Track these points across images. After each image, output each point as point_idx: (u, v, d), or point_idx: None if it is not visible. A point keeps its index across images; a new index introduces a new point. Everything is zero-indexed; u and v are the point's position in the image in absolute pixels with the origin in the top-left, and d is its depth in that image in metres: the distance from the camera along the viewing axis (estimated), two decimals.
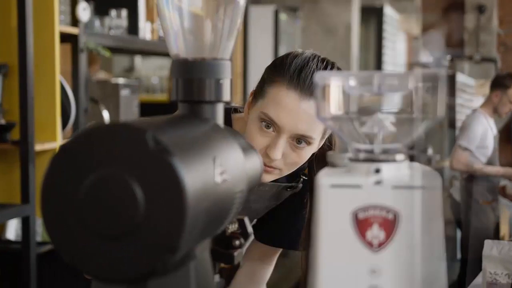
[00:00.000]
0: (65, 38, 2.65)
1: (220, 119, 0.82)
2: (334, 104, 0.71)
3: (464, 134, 4.33)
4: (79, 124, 2.66)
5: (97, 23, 2.92)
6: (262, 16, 5.09)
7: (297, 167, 1.31)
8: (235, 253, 0.87)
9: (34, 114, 2.36)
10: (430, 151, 3.47)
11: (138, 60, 5.41)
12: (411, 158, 0.74)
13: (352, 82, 0.69)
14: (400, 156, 0.70)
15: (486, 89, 8.66)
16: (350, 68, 5.77)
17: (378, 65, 7.51)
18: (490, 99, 4.36)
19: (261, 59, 4.86)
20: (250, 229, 0.89)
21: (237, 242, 0.87)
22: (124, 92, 3.15)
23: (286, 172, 1.31)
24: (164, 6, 0.82)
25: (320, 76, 0.70)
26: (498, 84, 4.34)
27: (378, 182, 0.67)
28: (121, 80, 3.25)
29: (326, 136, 1.34)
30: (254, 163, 0.85)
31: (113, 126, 0.62)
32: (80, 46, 2.66)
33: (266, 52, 4.99)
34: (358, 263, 0.68)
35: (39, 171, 2.41)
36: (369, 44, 7.52)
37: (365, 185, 0.67)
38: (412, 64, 8.91)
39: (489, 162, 4.36)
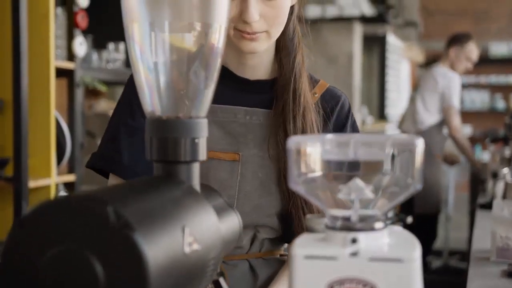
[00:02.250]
0: (62, 72, 2.64)
1: (195, 179, 0.79)
2: (309, 169, 0.68)
3: (453, 92, 4.28)
4: (75, 159, 2.64)
5: (94, 56, 2.91)
6: None
7: (283, 24, 1.24)
8: None
9: (28, 151, 2.34)
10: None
11: None
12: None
13: (328, 147, 0.67)
14: (378, 224, 0.67)
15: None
16: (353, 96, 5.75)
17: (381, 93, 7.49)
18: (448, 55, 4.39)
19: None
20: None
21: None
22: None
23: (275, 32, 1.23)
24: (139, 61, 0.80)
25: (293, 141, 0.67)
26: (455, 40, 4.39)
27: (354, 254, 0.64)
28: None
29: None
30: (231, 224, 0.82)
31: (74, 198, 0.59)
32: (76, 81, 2.65)
33: None
34: None
35: None
36: (372, 72, 7.51)
37: (341, 257, 0.64)
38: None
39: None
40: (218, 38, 0.80)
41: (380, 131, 7.11)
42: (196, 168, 0.79)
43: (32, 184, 2.38)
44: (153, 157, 0.78)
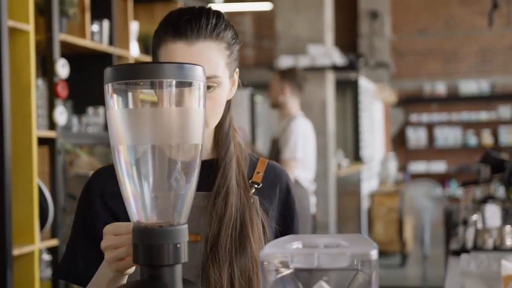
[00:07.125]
0: (43, 140, 2.73)
1: (178, 279, 0.88)
2: (278, 274, 0.78)
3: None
4: (57, 224, 2.70)
5: (75, 121, 3.00)
6: (238, 99, 5.18)
7: (220, 115, 1.28)
8: None
9: (12, 220, 2.40)
10: None
11: None
12: None
13: (295, 259, 0.76)
14: None
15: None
16: (327, 142, 5.88)
17: (356, 135, 7.65)
18: None
19: None
20: None
21: None
22: None
23: (212, 123, 1.28)
24: (125, 178, 0.90)
25: (264, 253, 0.77)
26: None
27: None
28: None
29: (236, 74, 1.32)
30: None
31: None
32: (57, 149, 2.73)
33: (244, 135, 5.08)
34: None
35: (17, 276, 2.45)
36: (346, 115, 7.68)
37: None
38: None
39: None
40: (195, 152, 0.90)
41: (356, 173, 7.24)
42: (178, 269, 0.89)
43: (16, 251, 2.44)
44: (140, 262, 0.88)
